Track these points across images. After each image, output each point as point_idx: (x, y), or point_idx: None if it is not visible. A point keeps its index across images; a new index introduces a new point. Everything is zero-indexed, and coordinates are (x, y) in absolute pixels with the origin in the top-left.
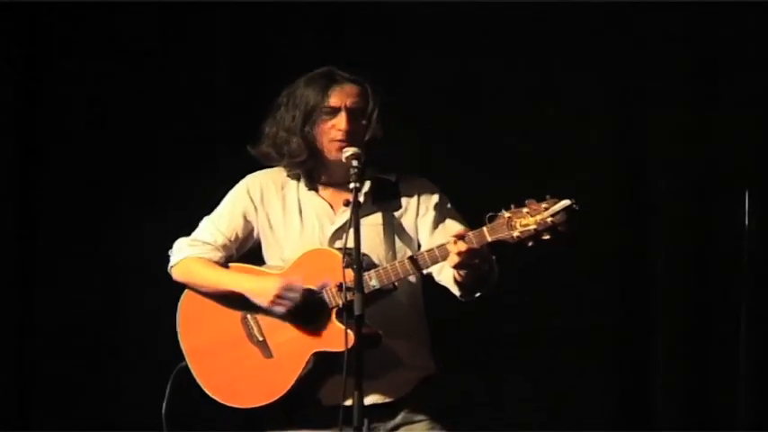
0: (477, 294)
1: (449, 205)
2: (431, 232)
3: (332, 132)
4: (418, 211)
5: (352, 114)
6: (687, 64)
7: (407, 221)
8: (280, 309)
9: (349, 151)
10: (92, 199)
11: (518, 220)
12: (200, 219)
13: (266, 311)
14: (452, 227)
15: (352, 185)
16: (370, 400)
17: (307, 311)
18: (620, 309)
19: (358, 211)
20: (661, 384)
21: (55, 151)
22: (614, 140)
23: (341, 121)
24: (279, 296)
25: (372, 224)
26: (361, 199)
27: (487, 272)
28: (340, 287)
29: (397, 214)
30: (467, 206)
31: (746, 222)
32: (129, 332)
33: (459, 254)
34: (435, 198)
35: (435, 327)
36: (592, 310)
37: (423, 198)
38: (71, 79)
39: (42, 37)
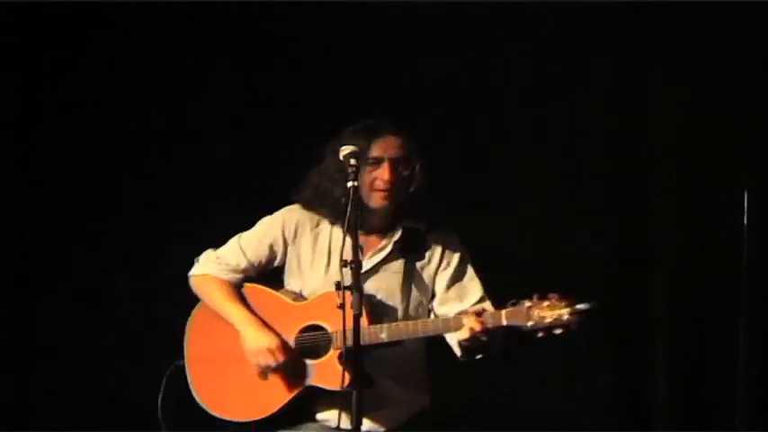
0: (478, 357)
1: (469, 265)
2: (446, 288)
3: (375, 183)
4: (440, 265)
5: (395, 165)
6: (687, 64)
7: (427, 273)
8: (255, 363)
9: (347, 150)
10: (91, 201)
11: (536, 311)
12: (199, 225)
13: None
14: (468, 289)
15: (350, 184)
16: (365, 426)
17: (312, 347)
18: (621, 309)
19: (357, 211)
20: (661, 384)
21: (53, 153)
22: (614, 140)
23: (384, 171)
24: (259, 353)
25: (394, 271)
26: (390, 247)
27: (492, 342)
28: (338, 286)
29: (419, 265)
30: (466, 207)
31: (745, 222)
32: (128, 333)
33: (471, 329)
34: (457, 255)
35: None
36: (591, 309)
37: (446, 252)
38: (70, 83)
39: (41, 38)
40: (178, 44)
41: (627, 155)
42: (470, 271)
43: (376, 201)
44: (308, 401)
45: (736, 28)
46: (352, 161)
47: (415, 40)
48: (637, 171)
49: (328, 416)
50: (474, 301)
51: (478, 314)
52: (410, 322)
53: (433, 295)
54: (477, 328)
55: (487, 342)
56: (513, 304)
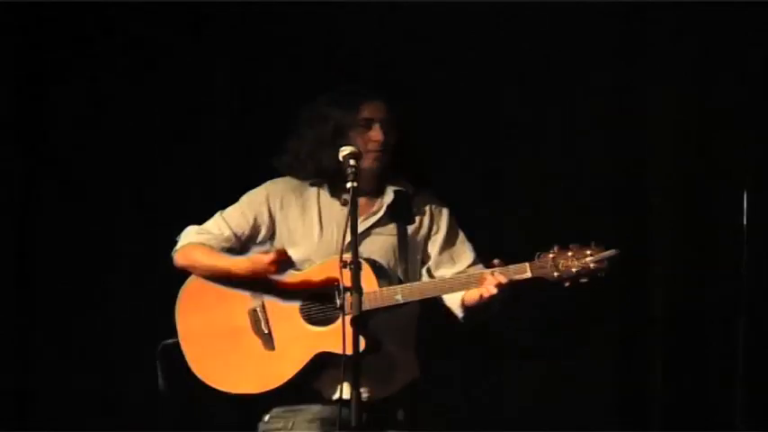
0: (479, 319)
1: (458, 228)
2: (439, 252)
3: (369, 144)
4: (431, 228)
5: (385, 126)
6: (687, 64)
7: (420, 236)
8: (275, 273)
9: (347, 150)
10: (91, 201)
11: (562, 261)
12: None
13: (276, 297)
14: (461, 251)
15: (349, 185)
16: (366, 395)
17: (320, 313)
18: (620, 309)
19: (356, 212)
20: (661, 384)
21: (53, 153)
22: (614, 140)
23: (376, 132)
24: (274, 262)
25: (387, 234)
26: (382, 211)
27: (500, 299)
28: (345, 288)
29: (410, 228)
30: (466, 207)
31: (745, 222)
32: (128, 333)
33: (498, 284)
34: (446, 218)
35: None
36: (591, 310)
37: (435, 216)
38: (70, 83)
39: (41, 38)
40: (178, 44)
41: (627, 155)
42: (461, 234)
43: (368, 162)
44: (313, 379)
45: (736, 28)
46: (352, 161)
47: (415, 40)
48: (637, 171)
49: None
50: (468, 264)
51: (502, 267)
52: (426, 282)
53: (427, 258)
54: (503, 280)
55: (499, 300)
56: (538, 256)
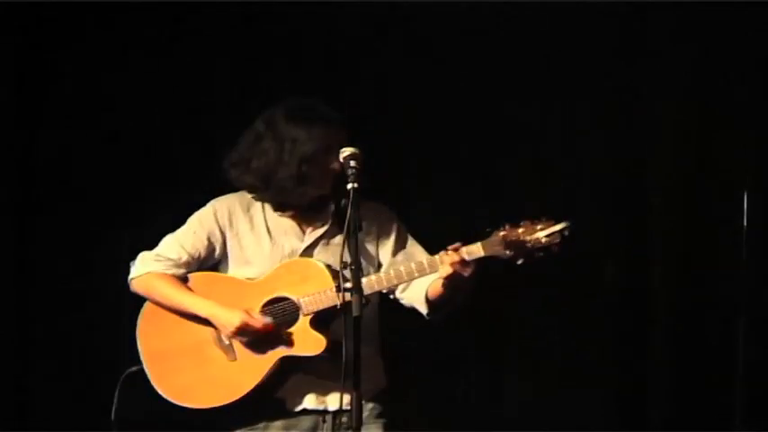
0: (446, 311)
1: (407, 232)
2: (392, 254)
3: (326, 170)
4: (379, 235)
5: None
6: (687, 64)
7: (369, 243)
8: (241, 339)
9: (347, 151)
10: (91, 201)
11: (513, 238)
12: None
13: None
14: (413, 252)
15: (349, 186)
16: (334, 406)
17: (277, 317)
18: (620, 309)
19: (356, 214)
20: (659, 384)
21: (53, 153)
22: (614, 140)
23: (335, 159)
24: (240, 329)
25: (336, 243)
26: (330, 221)
27: (466, 287)
28: (338, 288)
29: (358, 235)
30: (466, 206)
31: (745, 222)
32: (129, 333)
33: (452, 264)
34: (394, 223)
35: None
36: (591, 310)
37: (381, 222)
38: (70, 83)
39: (41, 38)
40: (178, 44)
41: (627, 155)
42: (410, 237)
43: (327, 184)
44: (277, 388)
45: (736, 28)
46: (353, 163)
47: (415, 40)
48: (637, 171)
49: (308, 403)
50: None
51: (455, 249)
52: (382, 274)
53: (380, 265)
54: (456, 259)
55: (468, 285)
56: (488, 234)
